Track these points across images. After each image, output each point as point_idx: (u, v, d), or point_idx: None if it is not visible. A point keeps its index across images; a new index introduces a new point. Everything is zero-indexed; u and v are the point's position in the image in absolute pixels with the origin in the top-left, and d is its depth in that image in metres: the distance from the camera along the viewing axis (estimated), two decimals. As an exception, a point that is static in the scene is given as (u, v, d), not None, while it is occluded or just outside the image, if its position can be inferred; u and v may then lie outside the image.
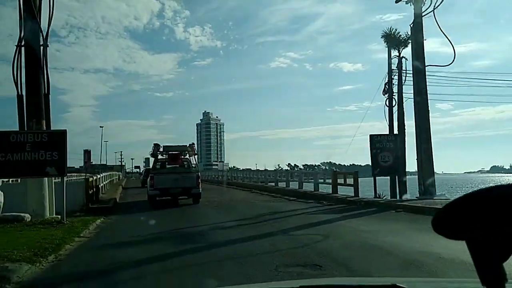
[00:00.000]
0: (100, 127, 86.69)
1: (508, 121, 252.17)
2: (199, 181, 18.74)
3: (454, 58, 18.00)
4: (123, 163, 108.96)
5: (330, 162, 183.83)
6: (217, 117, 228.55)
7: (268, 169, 44.84)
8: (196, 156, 21.76)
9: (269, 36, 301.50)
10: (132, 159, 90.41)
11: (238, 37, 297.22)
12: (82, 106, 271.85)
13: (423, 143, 18.28)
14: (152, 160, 22.08)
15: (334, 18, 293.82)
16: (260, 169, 45.36)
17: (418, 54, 18.62)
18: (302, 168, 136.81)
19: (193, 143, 21.66)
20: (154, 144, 20.99)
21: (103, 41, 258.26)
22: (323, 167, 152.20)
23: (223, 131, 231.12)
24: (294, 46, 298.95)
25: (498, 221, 0.95)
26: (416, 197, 18.13)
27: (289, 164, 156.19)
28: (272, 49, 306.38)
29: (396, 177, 20.00)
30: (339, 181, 20.13)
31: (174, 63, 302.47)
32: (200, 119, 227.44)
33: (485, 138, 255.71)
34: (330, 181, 21.69)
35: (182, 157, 20.55)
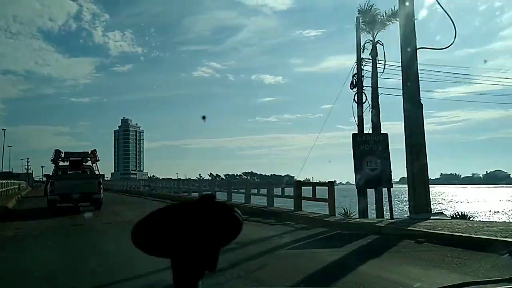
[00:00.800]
0: (2, 129, 75.50)
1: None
2: (101, 187, 18.62)
3: (455, 39, 14.22)
4: (29, 171, 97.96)
5: (252, 172, 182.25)
6: (136, 124, 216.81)
7: (191, 178, 38.58)
8: (98, 163, 21.69)
9: (192, 45, 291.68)
10: (42, 166, 79.35)
11: (160, 44, 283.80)
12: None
13: (416, 147, 14.25)
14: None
15: (256, 31, 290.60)
16: (182, 178, 39.08)
17: (408, 32, 14.65)
18: (224, 178, 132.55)
19: (95, 150, 21.67)
20: (55, 150, 21.26)
21: (14, 41, 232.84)
22: (245, 177, 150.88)
23: (143, 139, 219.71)
24: (217, 56, 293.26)
25: (191, 238, 0.95)
26: (408, 217, 14.03)
27: (211, 173, 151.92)
28: (195, 58, 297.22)
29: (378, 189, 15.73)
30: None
31: (91, 67, 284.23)
32: (119, 126, 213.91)
33: (396, 151, 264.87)
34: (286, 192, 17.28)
35: (84, 163, 20.81)
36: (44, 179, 42.92)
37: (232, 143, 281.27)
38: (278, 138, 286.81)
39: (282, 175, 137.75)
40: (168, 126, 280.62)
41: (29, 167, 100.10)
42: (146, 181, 41.10)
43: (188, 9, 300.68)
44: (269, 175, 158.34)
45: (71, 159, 20.70)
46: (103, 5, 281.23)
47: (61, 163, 21.29)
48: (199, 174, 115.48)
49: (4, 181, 29.97)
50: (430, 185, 14.40)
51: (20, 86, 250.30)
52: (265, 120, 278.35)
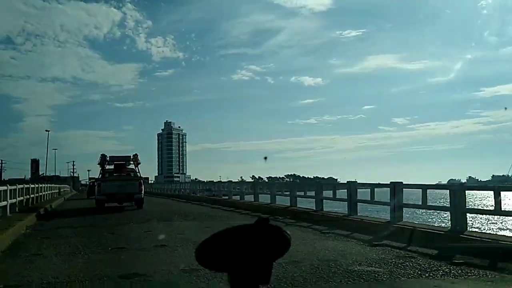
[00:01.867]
0: (46, 131, 72.95)
1: (462, 136, 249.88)
2: (142, 187, 20.91)
3: None
4: (75, 175, 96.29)
5: (294, 174, 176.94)
6: (179, 127, 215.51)
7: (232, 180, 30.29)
8: (140, 166, 22.96)
9: (231, 49, 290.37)
10: (88, 170, 77.75)
11: (201, 48, 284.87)
12: (38, 115, 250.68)
13: None
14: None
15: (295, 33, 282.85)
16: (223, 180, 30.66)
17: None
18: (267, 180, 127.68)
19: (137, 154, 23.15)
20: (101, 155, 22.46)
21: (62, 50, 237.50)
22: (287, 179, 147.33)
23: (186, 142, 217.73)
24: (256, 59, 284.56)
25: (247, 256, 1.12)
26: None
27: (253, 176, 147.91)
28: (234, 61, 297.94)
29: None
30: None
31: (135, 73, 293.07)
32: (162, 129, 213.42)
33: (441, 152, 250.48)
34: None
35: (127, 166, 22.72)
36: (91, 182, 40.03)
37: (271, 146, 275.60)
38: (318, 140, 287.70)
39: (325, 177, 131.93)
40: (208, 129, 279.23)
41: (74, 170, 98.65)
42: (204, 184, 34.62)
43: (227, 13, 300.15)
44: (312, 177, 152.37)
45: (115, 162, 22.41)
46: (146, 12, 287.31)
47: (106, 166, 22.47)
48: (241, 177, 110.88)
49: (33, 186, 24.39)
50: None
51: (68, 92, 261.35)
52: (305, 122, 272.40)
